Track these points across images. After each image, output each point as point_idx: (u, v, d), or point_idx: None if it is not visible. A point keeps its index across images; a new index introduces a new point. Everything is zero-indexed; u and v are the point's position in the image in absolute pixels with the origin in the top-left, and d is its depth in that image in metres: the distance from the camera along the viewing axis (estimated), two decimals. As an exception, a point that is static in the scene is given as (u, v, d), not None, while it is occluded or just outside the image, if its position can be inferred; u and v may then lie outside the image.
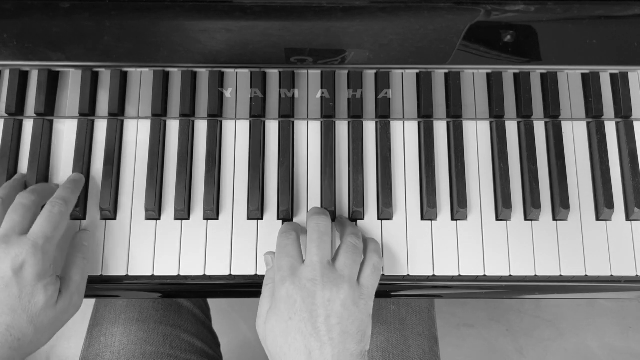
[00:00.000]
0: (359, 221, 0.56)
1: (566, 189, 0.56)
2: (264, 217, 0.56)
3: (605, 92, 0.57)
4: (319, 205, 0.57)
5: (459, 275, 0.55)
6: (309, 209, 0.57)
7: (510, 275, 0.55)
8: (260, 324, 0.50)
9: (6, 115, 0.57)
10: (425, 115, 0.57)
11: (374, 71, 0.55)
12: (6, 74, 0.55)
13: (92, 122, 0.58)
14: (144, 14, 0.50)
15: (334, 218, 0.56)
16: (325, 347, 0.45)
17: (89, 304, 0.71)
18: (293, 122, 0.58)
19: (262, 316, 0.50)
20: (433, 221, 0.56)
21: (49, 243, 0.49)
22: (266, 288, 0.52)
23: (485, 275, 0.55)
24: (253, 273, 0.55)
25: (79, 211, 0.56)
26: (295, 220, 0.56)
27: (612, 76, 0.56)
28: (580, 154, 0.58)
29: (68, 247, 0.54)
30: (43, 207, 0.52)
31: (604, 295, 0.58)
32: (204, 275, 0.55)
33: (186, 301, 0.72)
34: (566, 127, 0.59)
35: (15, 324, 0.47)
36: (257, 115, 0.57)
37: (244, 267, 0.55)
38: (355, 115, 0.57)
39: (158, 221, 0.56)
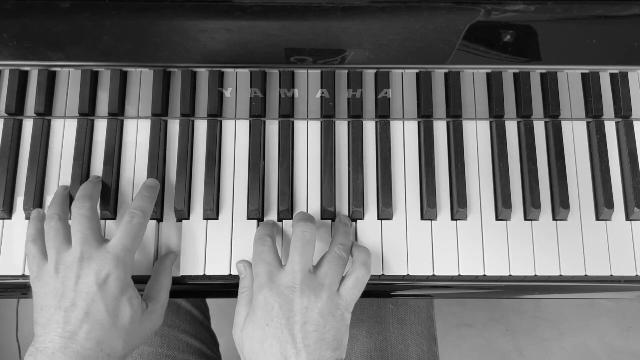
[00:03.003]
0: (359, 221, 0.56)
1: (566, 189, 0.56)
2: (264, 217, 0.56)
3: (605, 92, 0.57)
4: (319, 205, 0.57)
5: (459, 275, 0.55)
6: (308, 211, 0.57)
7: (510, 275, 0.55)
8: (237, 331, 0.50)
9: (6, 115, 0.57)
10: (425, 115, 0.57)
11: (374, 71, 0.55)
12: (6, 74, 0.55)
13: (92, 122, 0.58)
14: (144, 13, 0.50)
15: (333, 218, 0.56)
16: (301, 354, 0.45)
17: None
18: (293, 122, 0.58)
19: (238, 324, 0.50)
20: (433, 221, 0.56)
21: (128, 255, 0.49)
22: (242, 296, 0.52)
23: (485, 275, 0.55)
24: (253, 273, 0.55)
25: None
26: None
27: (612, 76, 0.56)
28: (580, 154, 0.58)
29: (156, 266, 0.54)
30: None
31: (604, 295, 0.58)
32: (204, 275, 0.55)
33: (184, 301, 0.72)
34: (566, 127, 0.59)
35: (106, 339, 0.46)
36: (257, 115, 0.57)
37: (244, 267, 0.55)
38: (355, 115, 0.57)
39: (158, 221, 0.56)
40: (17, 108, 0.56)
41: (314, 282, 0.48)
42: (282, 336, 0.46)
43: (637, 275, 0.56)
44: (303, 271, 0.48)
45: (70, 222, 0.51)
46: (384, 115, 0.58)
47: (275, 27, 0.49)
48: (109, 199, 0.55)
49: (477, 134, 0.58)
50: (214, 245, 0.55)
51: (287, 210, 0.56)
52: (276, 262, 0.50)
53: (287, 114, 0.57)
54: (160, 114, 0.57)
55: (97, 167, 0.57)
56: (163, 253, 0.55)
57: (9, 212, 0.56)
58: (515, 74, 0.56)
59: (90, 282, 0.46)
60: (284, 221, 0.56)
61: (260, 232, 0.53)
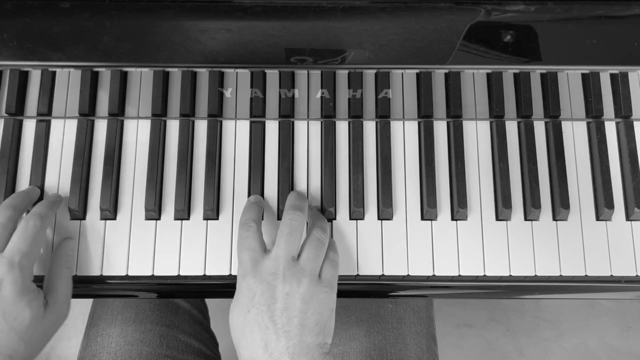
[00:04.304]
0: (359, 221, 0.56)
1: (566, 189, 0.56)
2: (264, 217, 0.56)
3: (605, 92, 0.57)
4: (319, 205, 0.57)
5: (459, 275, 0.55)
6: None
7: (510, 275, 0.55)
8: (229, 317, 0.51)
9: (6, 115, 0.57)
10: (425, 115, 0.57)
11: (374, 71, 0.55)
12: (6, 74, 0.55)
13: (92, 122, 0.58)
14: (144, 13, 0.50)
15: (333, 218, 0.56)
16: (281, 340, 0.46)
17: (87, 303, 0.71)
18: (293, 122, 0.58)
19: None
20: (433, 221, 0.56)
21: (25, 259, 0.48)
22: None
23: (485, 275, 0.55)
24: (253, 273, 0.55)
25: (79, 211, 0.55)
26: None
27: (612, 76, 0.56)
28: (580, 154, 0.58)
29: (51, 257, 0.53)
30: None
31: (604, 295, 0.58)
32: (204, 275, 0.55)
33: (183, 301, 0.72)
34: (566, 127, 0.59)
35: (5, 342, 0.46)
36: (257, 115, 0.57)
37: (244, 267, 0.55)
38: (355, 115, 0.57)
39: (158, 221, 0.56)
40: (17, 108, 0.56)
41: (296, 267, 0.49)
42: (262, 322, 0.47)
43: (637, 275, 0.56)
44: (286, 257, 0.49)
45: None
46: (384, 115, 0.58)
47: (275, 27, 0.49)
48: (109, 199, 0.55)
49: (477, 134, 0.58)
50: (213, 245, 0.55)
51: (287, 210, 0.56)
52: (260, 248, 0.50)
53: (287, 114, 0.57)
54: (160, 114, 0.57)
55: (97, 167, 0.57)
56: (163, 252, 0.55)
57: (9, 212, 0.56)
58: (515, 74, 0.56)
59: None
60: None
61: (244, 217, 0.53)
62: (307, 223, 0.54)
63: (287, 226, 0.50)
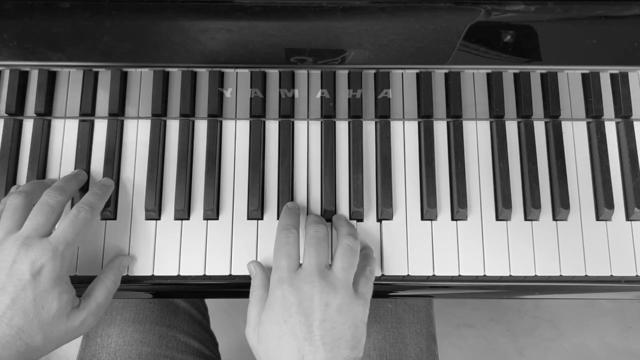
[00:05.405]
0: (358, 221, 0.56)
1: (566, 189, 0.56)
2: (264, 217, 0.56)
3: (605, 92, 0.57)
4: (319, 206, 0.57)
5: (459, 275, 0.55)
6: (308, 211, 0.57)
7: (510, 275, 0.55)
8: (249, 330, 0.50)
9: (6, 115, 0.57)
10: (425, 115, 0.57)
11: (374, 71, 0.55)
12: (6, 74, 0.55)
13: (92, 122, 0.58)
14: (144, 13, 0.50)
15: (332, 218, 0.56)
16: (319, 352, 0.45)
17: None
18: (293, 122, 0.58)
19: (251, 322, 0.50)
20: (433, 221, 0.56)
21: (68, 249, 0.48)
22: (253, 295, 0.51)
23: (485, 275, 0.55)
24: (253, 273, 0.55)
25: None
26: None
27: (612, 76, 0.56)
28: (580, 154, 0.58)
29: (104, 267, 0.53)
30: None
31: (604, 295, 0.58)
32: (204, 275, 0.55)
33: (183, 301, 0.72)
34: (566, 127, 0.59)
35: (26, 328, 0.46)
36: (257, 115, 0.57)
37: (244, 267, 0.55)
38: (355, 115, 0.57)
39: (158, 221, 0.56)
40: (17, 108, 0.56)
41: (331, 277, 0.48)
42: (299, 333, 0.46)
43: (637, 275, 0.56)
44: (319, 266, 0.48)
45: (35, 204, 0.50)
46: (384, 115, 0.58)
47: (275, 27, 0.49)
48: (109, 199, 0.55)
49: (477, 134, 0.58)
50: (213, 245, 0.55)
51: (287, 210, 0.56)
52: (298, 258, 0.50)
53: (287, 114, 0.57)
54: (160, 114, 0.57)
55: (97, 167, 0.57)
56: (163, 253, 0.55)
57: (9, 212, 0.56)
58: (515, 74, 0.56)
59: (24, 270, 0.46)
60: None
61: (285, 221, 0.52)
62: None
63: (314, 237, 0.50)
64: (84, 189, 0.56)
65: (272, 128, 0.58)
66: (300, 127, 0.59)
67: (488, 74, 0.56)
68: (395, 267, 0.55)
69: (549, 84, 0.56)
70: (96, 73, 0.56)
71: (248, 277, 0.55)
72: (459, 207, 0.55)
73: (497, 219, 0.57)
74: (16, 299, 0.46)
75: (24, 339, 0.46)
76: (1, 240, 0.48)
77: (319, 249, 0.49)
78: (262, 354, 0.48)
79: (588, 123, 0.59)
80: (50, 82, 0.56)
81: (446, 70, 0.55)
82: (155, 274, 0.55)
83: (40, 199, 0.50)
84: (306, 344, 0.45)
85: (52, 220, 0.49)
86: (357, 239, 0.52)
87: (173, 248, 0.56)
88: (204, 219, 0.56)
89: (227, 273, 0.55)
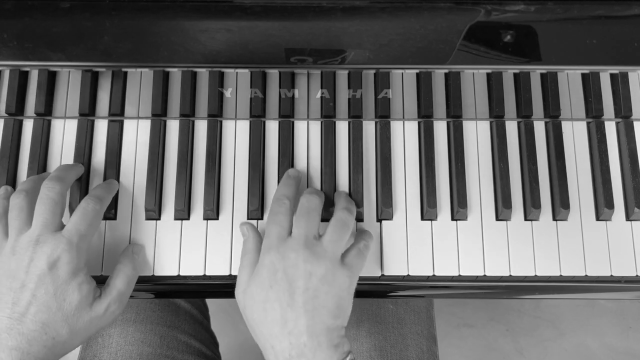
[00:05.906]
0: (358, 222, 0.56)
1: (566, 189, 0.56)
2: (264, 217, 0.56)
3: (605, 92, 0.57)
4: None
5: (459, 275, 0.55)
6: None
7: (510, 275, 0.55)
8: (239, 292, 0.51)
9: (6, 115, 0.57)
10: (425, 115, 0.57)
11: (374, 71, 0.55)
12: (6, 74, 0.55)
13: (92, 122, 0.58)
14: (144, 13, 0.50)
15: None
16: (300, 318, 0.46)
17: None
18: (293, 122, 0.58)
19: (241, 284, 0.51)
20: (433, 221, 0.56)
21: (82, 241, 0.49)
22: (244, 258, 0.52)
23: (485, 275, 0.55)
24: (253, 273, 0.55)
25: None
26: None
27: (612, 76, 0.56)
28: (580, 154, 0.58)
29: (119, 256, 0.54)
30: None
31: (604, 295, 0.58)
32: (204, 275, 0.55)
33: (183, 302, 0.72)
34: (566, 127, 0.59)
35: (51, 322, 0.46)
36: (257, 115, 0.57)
37: (244, 267, 0.55)
38: (355, 115, 0.57)
39: (158, 221, 0.56)
40: (17, 108, 0.56)
41: (318, 247, 0.49)
42: (283, 299, 0.47)
43: (637, 275, 0.56)
44: (307, 236, 0.49)
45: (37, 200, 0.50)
46: (384, 115, 0.58)
47: (275, 27, 0.50)
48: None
49: (477, 134, 0.58)
50: (213, 245, 0.55)
51: (287, 210, 0.56)
52: (288, 227, 0.51)
53: (287, 114, 0.57)
54: (160, 114, 0.57)
55: (97, 167, 0.57)
56: (163, 253, 0.55)
57: (9, 212, 0.56)
58: (515, 74, 0.56)
59: (42, 265, 0.47)
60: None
61: (279, 192, 0.53)
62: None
63: (305, 207, 0.51)
64: (84, 191, 0.56)
65: (272, 128, 0.58)
66: (300, 127, 0.59)
67: (488, 74, 0.56)
68: (395, 267, 0.55)
69: (549, 84, 0.56)
70: (96, 73, 0.56)
71: (248, 277, 0.55)
72: (459, 207, 0.55)
73: (497, 219, 0.57)
74: (37, 294, 0.46)
75: (50, 333, 0.46)
76: (15, 241, 0.48)
77: (308, 219, 0.50)
78: (249, 315, 0.49)
79: (588, 123, 0.59)
80: (50, 82, 0.56)
81: (446, 70, 0.55)
82: (156, 274, 0.55)
83: (40, 192, 0.50)
84: (289, 309, 0.47)
85: (58, 212, 0.50)
86: (353, 214, 0.52)
87: (173, 248, 0.56)
88: (204, 219, 0.56)
89: (227, 273, 0.55)
